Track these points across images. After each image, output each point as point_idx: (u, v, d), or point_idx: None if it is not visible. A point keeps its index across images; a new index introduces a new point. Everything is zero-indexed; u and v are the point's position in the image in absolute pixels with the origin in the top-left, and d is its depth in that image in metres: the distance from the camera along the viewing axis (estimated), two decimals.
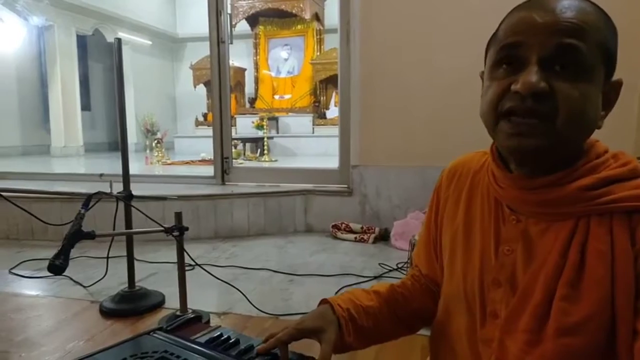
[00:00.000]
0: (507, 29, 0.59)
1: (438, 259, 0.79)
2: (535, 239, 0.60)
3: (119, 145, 1.98)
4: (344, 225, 3.16)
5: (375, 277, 2.32)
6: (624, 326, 0.53)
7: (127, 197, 1.88)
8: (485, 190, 0.69)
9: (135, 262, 2.04)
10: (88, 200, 1.48)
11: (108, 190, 1.71)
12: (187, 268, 1.82)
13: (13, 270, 2.47)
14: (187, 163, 6.06)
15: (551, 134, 0.55)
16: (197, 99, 9.28)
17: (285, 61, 8.96)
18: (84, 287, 2.21)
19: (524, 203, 0.62)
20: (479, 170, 0.72)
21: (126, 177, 1.94)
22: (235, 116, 7.98)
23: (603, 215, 0.56)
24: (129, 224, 1.94)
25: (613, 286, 0.53)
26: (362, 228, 3.11)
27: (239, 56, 8.72)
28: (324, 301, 0.75)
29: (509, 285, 0.61)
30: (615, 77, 0.60)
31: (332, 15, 8.11)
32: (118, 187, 1.87)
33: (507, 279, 0.62)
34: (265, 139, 6.48)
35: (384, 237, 3.06)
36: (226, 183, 3.64)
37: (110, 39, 8.75)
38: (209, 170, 3.84)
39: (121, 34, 8.57)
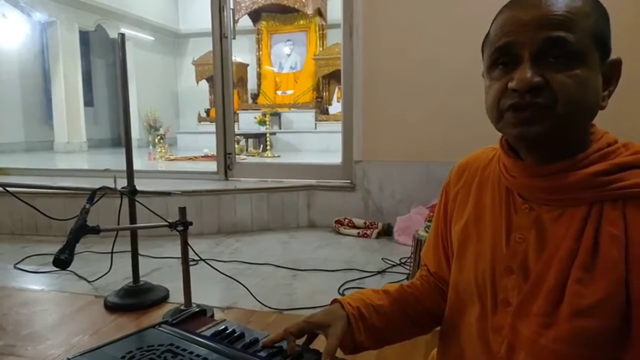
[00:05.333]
0: (497, 31, 0.61)
1: (447, 256, 0.79)
2: (548, 226, 0.61)
3: (122, 141, 1.98)
4: (347, 220, 3.17)
5: (378, 272, 2.33)
6: (638, 308, 0.54)
7: (131, 192, 1.89)
8: (495, 181, 0.70)
9: (139, 257, 2.05)
10: (93, 195, 1.49)
11: (112, 186, 1.71)
12: (190, 263, 1.83)
13: (18, 265, 2.48)
14: (190, 159, 6.06)
15: (553, 119, 0.57)
16: (199, 94, 9.27)
17: (288, 57, 8.94)
18: (89, 281, 2.22)
19: (536, 190, 0.63)
20: (487, 164, 0.73)
21: (130, 172, 1.94)
22: (237, 112, 7.97)
23: (616, 201, 0.57)
24: (133, 219, 1.95)
25: (627, 269, 0.55)
26: (365, 223, 3.12)
27: (241, 52, 8.70)
28: (334, 301, 0.76)
29: (522, 273, 0.62)
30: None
31: (334, 10, 8.07)
32: (122, 183, 1.88)
33: (519, 266, 0.63)
34: (268, 135, 6.48)
35: (387, 232, 3.06)
36: (229, 178, 3.65)
37: (112, 34, 8.74)
38: (211, 166, 3.85)
39: (123, 30, 8.55)
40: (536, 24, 0.57)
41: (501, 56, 0.60)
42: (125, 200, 1.88)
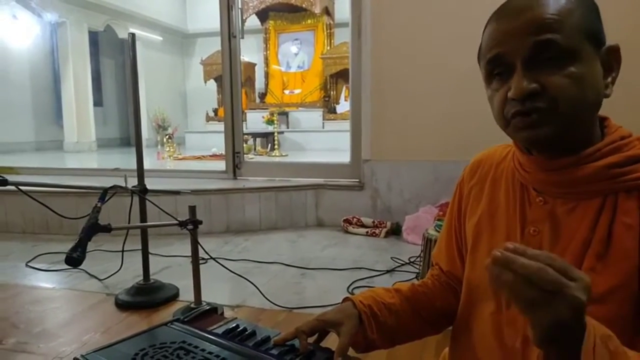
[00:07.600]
0: (486, 43, 0.63)
1: (460, 253, 0.79)
2: (562, 218, 0.62)
3: (131, 141, 2.00)
4: (355, 219, 3.16)
5: (387, 271, 2.32)
6: None
7: (142, 190, 1.90)
8: (510, 177, 0.70)
9: (149, 256, 2.06)
10: (104, 193, 1.50)
11: (122, 184, 1.72)
12: (200, 261, 1.84)
13: (30, 264, 2.51)
14: (198, 158, 6.09)
15: (558, 120, 0.58)
16: (207, 94, 9.31)
17: (295, 56, 8.94)
18: (100, 280, 2.24)
19: (550, 184, 0.64)
20: (502, 161, 0.74)
21: (141, 171, 1.96)
22: (245, 111, 7.98)
23: (631, 192, 0.58)
24: (143, 218, 1.96)
25: None
26: (373, 222, 3.11)
27: (249, 51, 8.72)
28: (346, 299, 0.76)
29: None
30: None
31: (342, 9, 8.06)
32: (132, 182, 1.89)
33: None
34: (276, 134, 6.49)
35: (395, 231, 3.06)
36: (238, 178, 3.66)
37: (121, 35, 8.80)
38: (220, 165, 3.86)
39: (132, 30, 8.58)
40: (522, 31, 0.57)
41: (495, 67, 0.61)
42: (136, 199, 1.90)
